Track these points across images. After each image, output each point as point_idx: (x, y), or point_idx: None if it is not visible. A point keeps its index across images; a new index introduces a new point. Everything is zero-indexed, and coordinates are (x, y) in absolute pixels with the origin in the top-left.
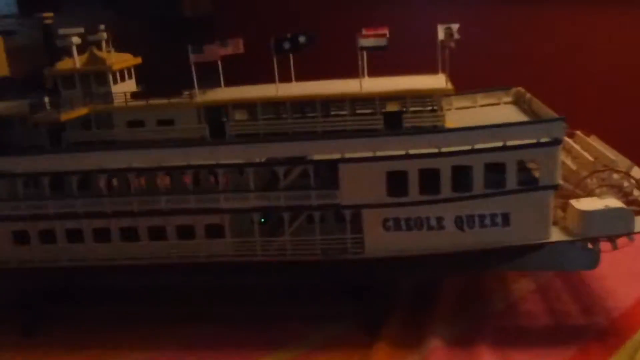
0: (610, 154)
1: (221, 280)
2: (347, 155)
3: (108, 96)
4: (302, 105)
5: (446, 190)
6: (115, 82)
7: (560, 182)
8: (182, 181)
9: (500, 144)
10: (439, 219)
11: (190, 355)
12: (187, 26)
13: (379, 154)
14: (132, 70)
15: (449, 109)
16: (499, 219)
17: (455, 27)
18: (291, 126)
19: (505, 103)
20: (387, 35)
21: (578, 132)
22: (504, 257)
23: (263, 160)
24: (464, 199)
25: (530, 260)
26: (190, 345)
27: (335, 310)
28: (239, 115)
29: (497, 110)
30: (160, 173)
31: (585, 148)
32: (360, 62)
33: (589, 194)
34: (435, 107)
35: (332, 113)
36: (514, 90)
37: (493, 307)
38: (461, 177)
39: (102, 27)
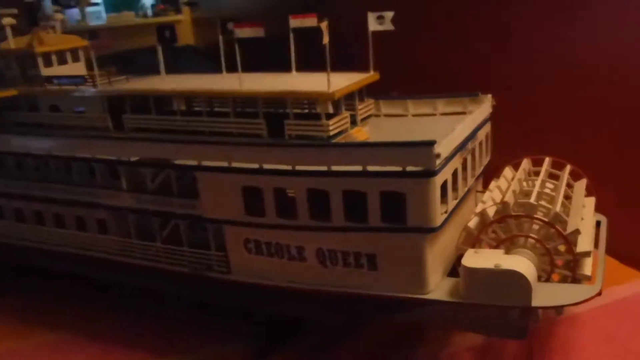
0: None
1: (106, 277)
2: (204, 163)
3: (38, 78)
4: (190, 101)
5: (304, 216)
6: (49, 64)
7: (436, 223)
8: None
9: (359, 168)
10: (300, 249)
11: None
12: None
13: (235, 165)
14: (79, 53)
15: (378, 115)
16: (364, 260)
17: (389, 15)
18: (181, 124)
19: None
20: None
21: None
22: (372, 307)
23: (134, 159)
24: (322, 229)
25: (424, 315)
26: (89, 333)
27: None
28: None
29: (448, 122)
30: (51, 161)
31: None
32: (238, 54)
33: (510, 244)
34: (319, 113)
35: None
36: (482, 97)
37: None
38: (321, 203)
39: (54, 8)
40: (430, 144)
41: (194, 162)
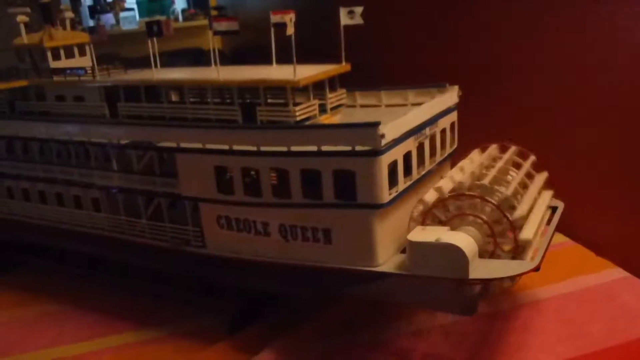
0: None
1: (100, 252)
2: (183, 145)
3: (46, 71)
4: (175, 90)
5: (267, 194)
6: (58, 58)
7: (383, 200)
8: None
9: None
10: (265, 224)
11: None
12: None
13: (209, 146)
14: (86, 48)
15: (354, 106)
16: (320, 235)
17: (358, 10)
18: (167, 111)
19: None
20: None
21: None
22: (328, 279)
23: (124, 142)
24: (284, 206)
25: (378, 290)
26: (84, 305)
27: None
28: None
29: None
30: (52, 145)
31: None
32: (211, 46)
33: (460, 221)
34: (286, 101)
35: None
36: (449, 88)
37: (369, 336)
38: (283, 182)
39: (65, 7)
40: (375, 125)
41: (173, 144)
